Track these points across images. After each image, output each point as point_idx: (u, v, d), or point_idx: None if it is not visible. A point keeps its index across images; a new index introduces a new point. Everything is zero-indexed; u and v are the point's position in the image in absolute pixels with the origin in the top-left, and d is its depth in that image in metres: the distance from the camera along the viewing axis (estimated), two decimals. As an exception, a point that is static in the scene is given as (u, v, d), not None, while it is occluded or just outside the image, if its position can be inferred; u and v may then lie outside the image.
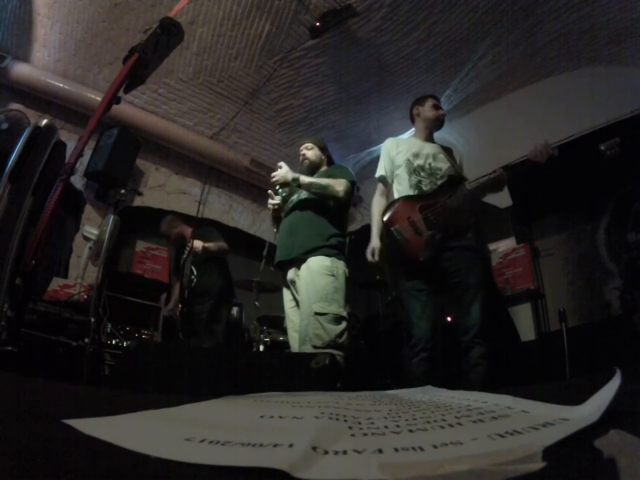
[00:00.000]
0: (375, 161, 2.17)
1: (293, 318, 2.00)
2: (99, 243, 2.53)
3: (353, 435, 0.35)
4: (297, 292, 1.98)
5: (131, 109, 3.76)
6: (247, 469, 0.25)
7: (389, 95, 4.04)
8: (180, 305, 3.01)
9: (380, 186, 2.10)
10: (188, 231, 3.22)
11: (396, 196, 2.01)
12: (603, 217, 3.36)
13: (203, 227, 3.35)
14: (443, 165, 1.99)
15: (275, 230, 2.20)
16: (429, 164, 1.98)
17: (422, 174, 1.96)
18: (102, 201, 3.73)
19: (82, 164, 3.53)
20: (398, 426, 0.38)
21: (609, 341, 2.38)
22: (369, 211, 2.11)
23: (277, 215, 2.20)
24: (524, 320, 3.41)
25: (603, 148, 1.74)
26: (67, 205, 2.04)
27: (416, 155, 2.00)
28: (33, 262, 1.29)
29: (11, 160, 1.40)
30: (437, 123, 2.10)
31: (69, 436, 0.32)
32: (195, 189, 4.46)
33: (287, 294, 2.07)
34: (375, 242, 1.97)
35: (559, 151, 1.72)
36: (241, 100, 4.07)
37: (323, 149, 2.25)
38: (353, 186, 2.08)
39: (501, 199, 3.33)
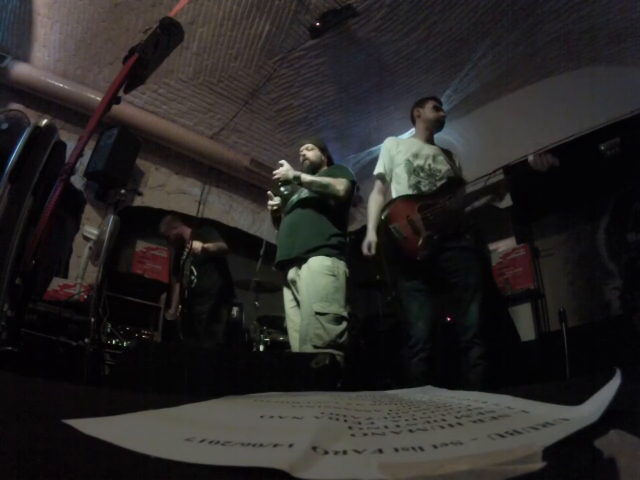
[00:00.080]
0: (375, 161, 2.17)
1: (294, 318, 2.00)
2: (98, 243, 2.53)
3: (352, 435, 0.35)
4: (297, 292, 1.98)
5: (131, 108, 3.76)
6: (247, 469, 0.25)
7: (388, 95, 4.04)
8: (180, 306, 3.01)
9: (378, 183, 2.10)
10: (187, 231, 3.22)
11: (394, 195, 2.02)
12: (603, 217, 3.36)
13: (203, 227, 3.35)
14: (443, 166, 1.99)
15: (276, 230, 2.21)
16: (429, 165, 1.98)
17: (421, 174, 1.96)
18: (102, 201, 3.73)
19: (82, 164, 3.53)
20: (398, 426, 0.38)
21: (609, 340, 2.38)
22: None
23: (277, 216, 2.20)
24: (524, 320, 3.41)
25: (603, 148, 1.74)
26: (67, 205, 2.04)
27: (416, 156, 2.00)
28: (33, 262, 1.29)
29: (11, 160, 1.40)
30: (437, 125, 2.10)
31: (69, 436, 0.32)
32: (195, 188, 4.46)
33: (287, 294, 2.07)
34: (371, 236, 1.97)
35: (559, 161, 1.72)
36: (241, 100, 4.07)
37: (323, 149, 2.26)
38: (353, 185, 2.08)
39: (501, 199, 3.33)
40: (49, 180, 1.46)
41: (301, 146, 2.28)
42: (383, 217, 1.95)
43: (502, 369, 2.20)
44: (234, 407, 0.59)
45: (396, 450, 0.29)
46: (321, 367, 1.13)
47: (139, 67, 1.59)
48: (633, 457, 0.23)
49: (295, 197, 2.14)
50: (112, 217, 2.48)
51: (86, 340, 2.02)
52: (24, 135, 1.46)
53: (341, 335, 1.80)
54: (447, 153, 2.09)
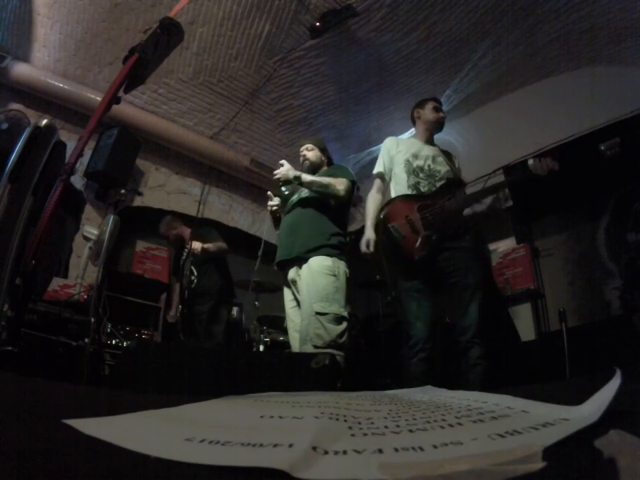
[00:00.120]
0: (375, 161, 2.17)
1: (294, 318, 2.00)
2: (99, 243, 2.53)
3: (353, 435, 0.35)
4: (297, 292, 1.98)
5: (131, 108, 3.76)
6: (247, 469, 0.25)
7: (389, 95, 4.04)
8: (180, 306, 3.01)
9: (377, 182, 2.11)
10: (187, 231, 3.22)
11: (393, 194, 2.02)
12: (603, 217, 3.36)
13: (202, 227, 3.35)
14: (442, 167, 2.00)
15: (276, 231, 2.21)
16: (428, 165, 1.99)
17: (421, 175, 1.97)
18: (102, 201, 3.73)
19: (82, 164, 3.53)
20: (398, 426, 0.38)
21: (609, 340, 2.38)
22: None
23: (277, 217, 2.21)
24: (524, 320, 3.40)
25: (603, 148, 1.74)
26: (67, 205, 2.04)
27: (415, 156, 2.00)
28: (33, 262, 1.29)
29: (11, 160, 1.40)
30: (436, 126, 2.11)
31: (69, 436, 0.32)
32: (195, 188, 4.46)
33: (287, 293, 2.07)
34: (369, 233, 1.97)
35: (559, 164, 1.72)
36: (241, 100, 4.07)
37: (322, 149, 2.26)
38: (353, 185, 2.09)
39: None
40: (49, 180, 1.46)
41: (301, 146, 2.28)
42: (381, 216, 1.95)
43: (502, 369, 2.20)
44: (234, 407, 0.59)
45: (396, 450, 0.29)
46: (321, 367, 1.13)
47: (139, 66, 1.59)
48: (633, 456, 0.23)
49: (295, 197, 2.14)
50: (112, 216, 2.48)
51: (86, 340, 2.02)
52: (24, 135, 1.46)
53: (341, 335, 1.80)
54: (447, 154, 2.10)
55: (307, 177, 2.00)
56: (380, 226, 1.95)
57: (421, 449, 0.29)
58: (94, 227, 2.89)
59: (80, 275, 2.75)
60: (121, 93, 1.60)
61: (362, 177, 4.06)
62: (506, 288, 3.48)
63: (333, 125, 4.36)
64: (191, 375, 1.09)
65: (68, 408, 0.49)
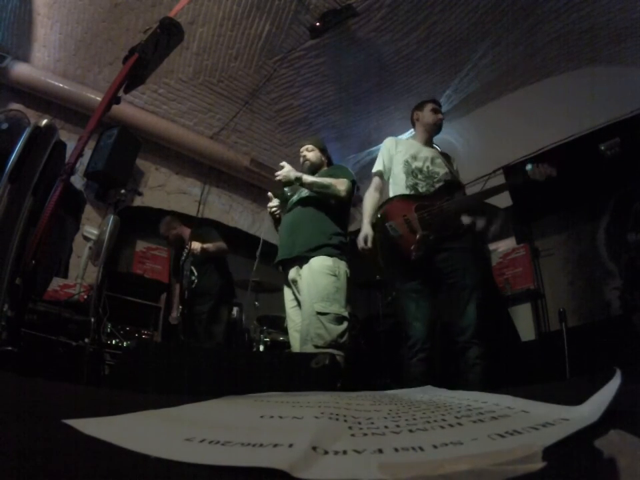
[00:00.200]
0: (375, 161, 2.18)
1: (294, 317, 2.01)
2: (99, 243, 2.53)
3: (353, 435, 0.35)
4: (298, 291, 1.99)
5: (131, 108, 3.76)
6: (247, 469, 0.25)
7: (389, 95, 4.04)
8: (180, 307, 3.01)
9: (376, 180, 2.11)
10: (186, 232, 3.22)
11: (391, 194, 2.02)
12: (603, 217, 3.35)
13: (202, 227, 3.35)
14: (441, 169, 2.00)
15: (277, 232, 2.21)
16: (427, 167, 2.00)
17: (419, 176, 1.97)
18: (102, 201, 3.73)
19: (82, 164, 3.53)
20: (398, 426, 0.38)
21: (609, 340, 2.38)
22: None
23: (277, 217, 2.21)
24: (524, 320, 3.40)
25: (603, 148, 1.75)
26: (67, 205, 2.04)
27: (414, 157, 2.01)
28: (33, 262, 1.29)
29: (11, 160, 1.40)
30: (435, 128, 2.12)
31: (69, 436, 0.32)
32: (195, 189, 4.46)
33: (288, 293, 2.07)
34: (367, 229, 1.97)
35: (557, 171, 1.73)
36: (241, 100, 4.07)
37: (322, 150, 2.27)
38: (354, 185, 2.09)
39: (501, 199, 3.34)
40: (49, 180, 1.46)
41: (301, 147, 2.28)
42: (379, 215, 1.95)
43: (502, 369, 2.20)
44: (234, 407, 0.59)
45: (396, 450, 0.29)
46: (320, 367, 1.13)
47: (139, 66, 1.59)
48: (633, 457, 0.23)
49: (295, 197, 2.14)
50: (112, 217, 2.48)
51: (86, 340, 2.02)
52: (24, 134, 1.46)
53: (342, 334, 1.81)
54: (446, 156, 2.11)
55: (308, 178, 2.01)
56: (377, 224, 1.95)
57: (421, 449, 0.29)
58: (94, 227, 2.89)
59: (80, 274, 2.75)
60: (120, 93, 1.60)
61: (362, 177, 4.06)
62: (506, 288, 3.48)
63: (332, 125, 4.36)
64: (190, 375, 1.09)
65: (68, 408, 0.49)
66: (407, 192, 1.95)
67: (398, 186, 2.00)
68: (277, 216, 2.21)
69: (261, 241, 2.28)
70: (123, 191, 2.67)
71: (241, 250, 4.04)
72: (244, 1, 3.25)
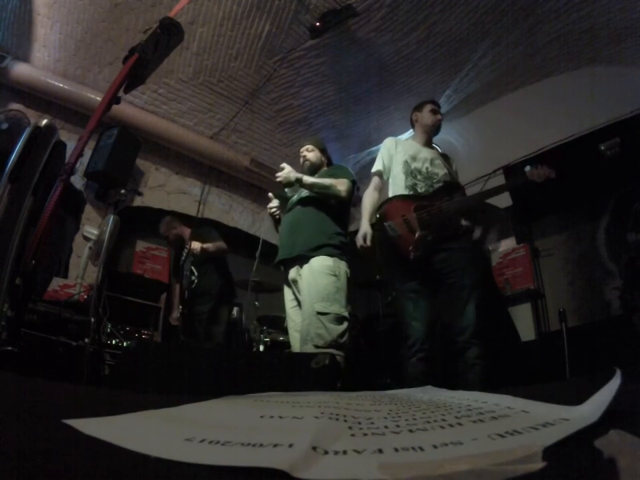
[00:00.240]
0: (375, 160, 2.18)
1: (294, 317, 2.01)
2: (99, 243, 2.53)
3: (352, 435, 0.35)
4: (298, 291, 1.99)
5: (131, 108, 3.76)
6: (247, 469, 0.25)
7: (389, 95, 4.04)
8: (180, 307, 3.01)
9: (375, 179, 2.11)
10: (186, 232, 3.22)
11: (390, 194, 2.03)
12: (603, 217, 3.35)
13: (202, 227, 3.35)
14: (440, 170, 2.01)
15: (277, 232, 2.21)
16: (426, 168, 2.00)
17: (418, 177, 1.98)
18: (102, 201, 3.73)
19: (82, 164, 3.53)
20: (398, 426, 0.38)
21: (609, 340, 2.37)
22: None
23: (277, 218, 2.21)
24: (524, 320, 3.40)
25: (603, 148, 1.75)
26: (67, 205, 2.04)
27: (413, 158, 2.01)
28: (33, 262, 1.29)
29: (11, 160, 1.40)
30: (433, 129, 2.13)
31: (69, 436, 0.32)
32: (195, 188, 4.46)
33: (288, 293, 2.07)
34: (365, 227, 1.97)
35: (555, 173, 1.73)
36: (241, 100, 4.07)
37: (322, 150, 2.27)
38: (354, 185, 2.10)
39: (501, 199, 3.33)
40: (49, 180, 1.46)
41: (301, 147, 2.29)
42: (378, 215, 1.95)
43: (502, 369, 2.20)
44: (234, 407, 0.59)
45: (396, 450, 0.29)
46: (320, 367, 1.13)
47: (139, 66, 1.59)
48: (633, 457, 0.23)
49: (295, 197, 2.14)
50: (112, 217, 2.48)
51: (86, 340, 2.02)
52: (24, 135, 1.46)
53: (342, 334, 1.81)
54: (445, 157, 2.11)
55: (308, 179, 2.01)
56: (376, 224, 1.95)
57: (421, 448, 0.29)
58: (94, 227, 2.89)
59: (80, 274, 2.75)
60: (120, 93, 1.60)
61: (362, 177, 4.06)
62: (506, 288, 3.48)
63: (332, 125, 4.36)
64: (190, 375, 1.09)
65: (68, 408, 0.49)
66: (406, 192, 1.95)
67: (397, 186, 2.00)
68: (277, 217, 2.22)
69: (261, 241, 2.29)
70: (122, 191, 2.67)
71: (240, 250, 4.04)
72: (244, 1, 3.25)
